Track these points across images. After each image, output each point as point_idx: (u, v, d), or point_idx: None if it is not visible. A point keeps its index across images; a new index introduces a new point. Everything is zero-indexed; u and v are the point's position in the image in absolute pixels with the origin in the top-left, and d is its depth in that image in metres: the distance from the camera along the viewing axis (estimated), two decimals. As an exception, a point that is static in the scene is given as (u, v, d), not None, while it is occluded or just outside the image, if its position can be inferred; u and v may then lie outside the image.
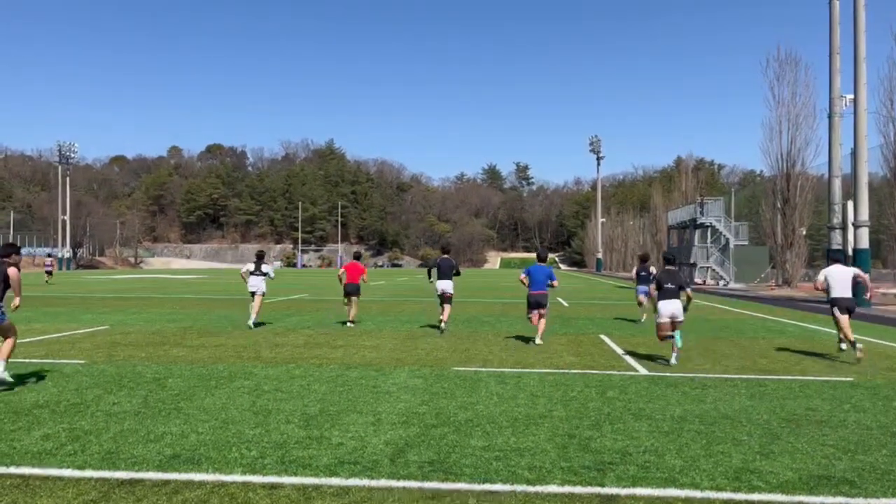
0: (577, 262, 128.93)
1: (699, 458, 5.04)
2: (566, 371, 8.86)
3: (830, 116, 24.90)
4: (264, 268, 14.00)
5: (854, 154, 24.19)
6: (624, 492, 4.30)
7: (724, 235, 42.35)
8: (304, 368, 8.83)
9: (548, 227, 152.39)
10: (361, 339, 12.12)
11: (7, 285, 7.33)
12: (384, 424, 5.92)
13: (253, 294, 13.79)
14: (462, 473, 4.62)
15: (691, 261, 44.25)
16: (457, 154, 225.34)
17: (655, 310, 9.67)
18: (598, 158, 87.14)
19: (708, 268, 43.37)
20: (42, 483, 4.37)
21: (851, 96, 24.30)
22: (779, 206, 34.92)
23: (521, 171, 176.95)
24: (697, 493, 4.30)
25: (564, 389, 7.59)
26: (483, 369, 8.90)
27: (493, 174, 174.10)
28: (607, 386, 7.85)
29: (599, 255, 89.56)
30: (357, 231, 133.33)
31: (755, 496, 4.29)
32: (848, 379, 8.55)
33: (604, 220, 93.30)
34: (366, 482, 4.44)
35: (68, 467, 4.67)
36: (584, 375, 8.54)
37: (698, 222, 42.82)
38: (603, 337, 12.85)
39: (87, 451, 5.04)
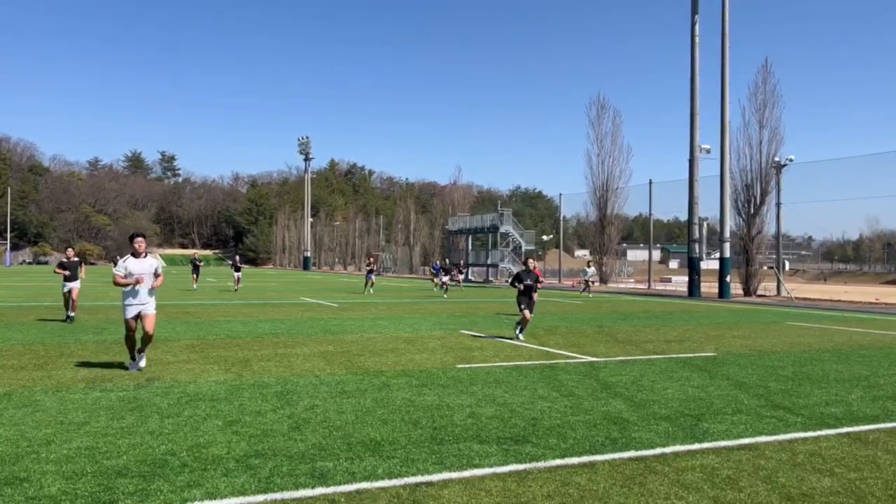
0: (251, 260, 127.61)
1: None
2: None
3: (691, 161, 34.05)
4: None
5: (720, 189, 33.62)
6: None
7: (517, 239, 50.54)
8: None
9: (207, 223, 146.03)
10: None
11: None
12: None
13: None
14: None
15: (489, 262, 51.50)
16: (95, 135, 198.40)
17: None
18: (308, 159, 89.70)
19: (506, 268, 51.07)
20: None
21: (708, 146, 33.88)
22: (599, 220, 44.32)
23: (167, 160, 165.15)
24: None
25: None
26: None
27: (136, 162, 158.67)
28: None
29: (308, 254, 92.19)
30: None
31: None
32: (710, 354, 11.61)
33: (312, 219, 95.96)
34: None
35: None
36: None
37: (500, 230, 50.07)
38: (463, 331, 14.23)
39: None
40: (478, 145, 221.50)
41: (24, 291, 28.87)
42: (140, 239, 9.16)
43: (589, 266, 34.24)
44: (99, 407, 6.94)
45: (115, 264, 9.57)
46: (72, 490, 4.48)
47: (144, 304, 9.02)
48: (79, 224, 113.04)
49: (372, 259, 36.35)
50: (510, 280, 13.59)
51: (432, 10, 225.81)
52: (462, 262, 31.93)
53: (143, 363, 9.12)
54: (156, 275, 9.12)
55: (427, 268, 72.01)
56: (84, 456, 5.23)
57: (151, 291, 9.12)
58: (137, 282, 8.85)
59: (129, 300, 8.98)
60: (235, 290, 30.81)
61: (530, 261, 13.90)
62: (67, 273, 15.78)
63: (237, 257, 36.18)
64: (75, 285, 15.73)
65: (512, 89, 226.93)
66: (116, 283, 8.93)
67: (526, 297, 13.01)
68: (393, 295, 30.57)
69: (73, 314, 15.61)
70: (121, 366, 9.49)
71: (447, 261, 35.11)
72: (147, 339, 9.06)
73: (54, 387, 7.96)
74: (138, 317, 9.02)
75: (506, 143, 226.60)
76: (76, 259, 16.29)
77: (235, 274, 32.15)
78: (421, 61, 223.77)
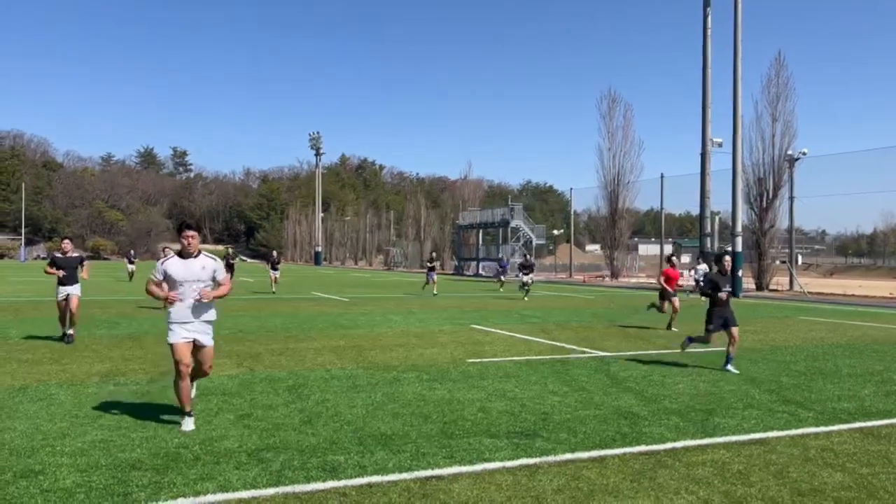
0: (263, 255, 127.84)
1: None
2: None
3: (703, 154, 33.85)
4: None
5: (733, 183, 33.41)
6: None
7: (527, 234, 50.49)
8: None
9: (219, 218, 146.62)
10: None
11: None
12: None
13: None
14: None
15: (499, 256, 51.40)
16: (107, 131, 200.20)
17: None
18: (318, 154, 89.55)
19: (516, 263, 51.05)
20: None
21: (720, 140, 33.66)
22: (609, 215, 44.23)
23: (179, 156, 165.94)
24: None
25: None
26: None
27: (149, 158, 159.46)
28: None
29: (319, 249, 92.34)
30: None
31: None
32: (722, 349, 10.87)
33: (323, 214, 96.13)
34: None
35: None
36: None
37: (510, 225, 50.05)
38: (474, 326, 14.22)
39: None
40: (488, 140, 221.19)
41: (38, 286, 29.13)
42: (191, 232, 5.97)
43: (699, 263, 28.19)
44: (113, 400, 7.01)
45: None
46: (86, 483, 4.54)
47: (200, 328, 6.02)
48: (92, 219, 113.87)
49: (434, 255, 32.03)
50: (702, 288, 10.06)
51: (442, 6, 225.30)
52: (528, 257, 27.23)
53: (188, 425, 5.94)
54: (215, 281, 6.11)
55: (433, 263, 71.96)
56: (98, 449, 5.29)
57: (209, 308, 6.09)
58: (170, 300, 5.89)
59: (177, 317, 5.95)
60: (273, 291, 26.64)
61: (727, 259, 9.76)
62: (62, 274, 11.45)
63: (275, 253, 29.49)
64: (74, 291, 11.47)
65: (522, 84, 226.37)
66: (149, 292, 6.10)
67: (724, 309, 9.54)
68: (403, 290, 30.61)
69: (71, 332, 11.40)
70: (136, 363, 9.58)
71: (527, 256, 28.26)
72: (200, 378, 6.40)
73: (69, 381, 8.06)
74: (192, 341, 6.01)
75: (516, 138, 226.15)
76: (76, 255, 11.86)
77: (272, 273, 27.36)
78: (431, 57, 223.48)
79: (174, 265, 5.99)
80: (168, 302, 5.94)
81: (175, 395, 6.05)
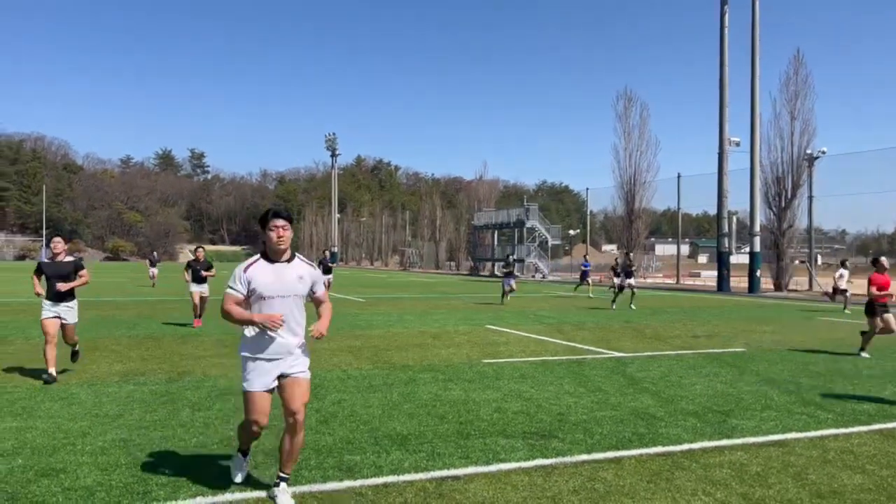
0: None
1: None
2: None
3: (721, 153, 33.59)
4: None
5: (751, 182, 33.12)
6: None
7: (543, 234, 50.37)
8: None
9: (236, 219, 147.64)
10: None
11: None
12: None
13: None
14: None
15: (514, 256, 51.37)
16: (126, 133, 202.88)
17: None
18: (334, 155, 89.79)
19: (532, 263, 50.98)
20: None
21: (737, 139, 33.39)
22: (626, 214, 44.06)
23: (197, 157, 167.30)
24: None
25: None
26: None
27: (167, 159, 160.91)
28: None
29: (335, 249, 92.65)
30: (19, 219, 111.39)
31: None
32: (740, 350, 11.56)
33: (339, 215, 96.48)
34: None
35: None
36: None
37: (526, 225, 50.01)
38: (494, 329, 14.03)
39: None
40: (504, 140, 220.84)
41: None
42: (282, 222, 4.12)
43: (843, 265, 22.06)
44: (132, 400, 7.10)
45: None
46: (107, 481, 4.59)
47: (292, 356, 4.25)
48: (112, 221, 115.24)
49: (511, 258, 25.73)
50: None
51: (458, 8, 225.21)
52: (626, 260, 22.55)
53: (284, 496, 4.22)
54: (313, 298, 4.39)
55: (452, 263, 71.90)
56: (118, 448, 5.36)
57: (298, 334, 4.30)
58: (273, 323, 4.08)
59: (262, 342, 4.18)
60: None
61: None
62: (58, 286, 8.01)
63: (327, 254, 24.22)
64: (68, 317, 8.23)
65: (537, 84, 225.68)
66: (227, 315, 4.16)
67: None
68: (419, 290, 30.64)
69: (54, 371, 8.02)
70: (152, 367, 9.70)
71: (629, 255, 23.55)
72: (294, 430, 4.23)
73: (89, 380, 8.15)
74: (276, 386, 4.22)
75: (532, 138, 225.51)
76: (69, 259, 8.27)
77: (324, 277, 19.89)
78: (446, 57, 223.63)
79: (262, 273, 4.13)
80: (270, 328, 4.09)
81: (237, 435, 4.65)
